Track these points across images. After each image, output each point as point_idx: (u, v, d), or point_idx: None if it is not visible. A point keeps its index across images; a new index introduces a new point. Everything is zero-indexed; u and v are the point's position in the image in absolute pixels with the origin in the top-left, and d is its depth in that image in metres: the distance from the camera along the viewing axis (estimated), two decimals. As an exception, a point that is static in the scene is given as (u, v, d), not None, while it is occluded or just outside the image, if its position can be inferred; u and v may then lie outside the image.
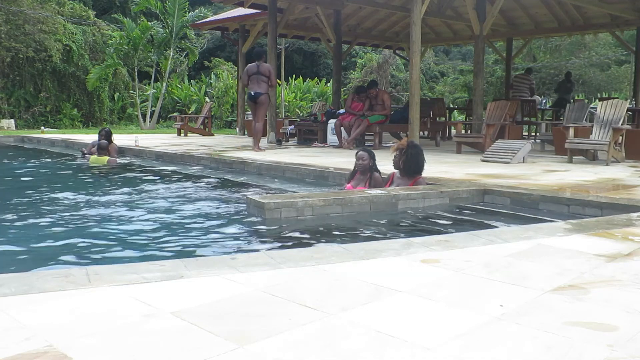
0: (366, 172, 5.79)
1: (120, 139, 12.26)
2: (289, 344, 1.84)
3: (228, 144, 12.32)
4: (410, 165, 5.56)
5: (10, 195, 6.22)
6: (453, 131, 13.94)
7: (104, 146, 9.55)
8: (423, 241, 3.39)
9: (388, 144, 10.70)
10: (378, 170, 5.86)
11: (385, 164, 5.94)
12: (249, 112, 17.13)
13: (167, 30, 22.74)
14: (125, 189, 6.76)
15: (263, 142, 12.92)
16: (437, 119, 14.52)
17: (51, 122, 22.32)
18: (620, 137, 8.79)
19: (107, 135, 9.87)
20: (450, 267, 2.80)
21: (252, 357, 1.74)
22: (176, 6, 22.33)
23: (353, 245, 3.34)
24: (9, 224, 4.69)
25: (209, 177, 7.79)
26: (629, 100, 11.44)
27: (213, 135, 16.59)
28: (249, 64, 10.52)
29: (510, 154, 8.48)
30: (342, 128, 11.58)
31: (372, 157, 5.84)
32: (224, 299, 2.28)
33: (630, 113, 12.12)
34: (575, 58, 29.42)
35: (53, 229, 4.51)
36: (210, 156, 9.20)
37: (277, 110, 13.20)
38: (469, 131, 13.53)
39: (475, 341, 1.89)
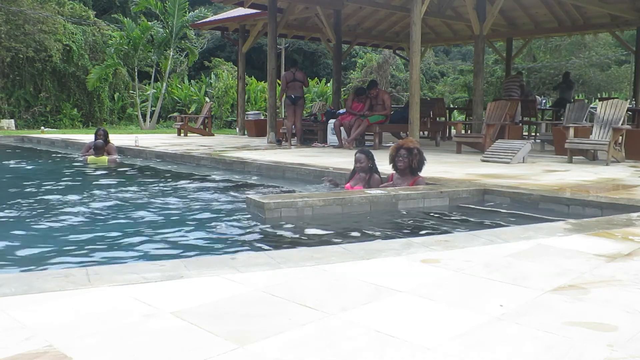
0: (366, 173, 5.79)
1: (120, 139, 12.26)
2: (289, 344, 1.84)
3: (228, 144, 12.31)
4: (422, 164, 5.59)
5: (10, 196, 6.22)
6: (453, 131, 13.93)
7: (100, 146, 9.54)
8: (423, 241, 3.39)
9: (388, 144, 10.70)
10: (378, 172, 5.85)
11: (386, 164, 5.94)
12: (249, 112, 17.19)
13: (167, 30, 22.74)
14: (125, 189, 6.76)
15: (263, 142, 12.94)
16: (437, 119, 14.51)
17: (51, 122, 22.32)
18: (620, 137, 8.79)
19: (105, 135, 9.85)
20: (450, 267, 2.80)
21: (252, 357, 1.74)
22: (176, 6, 22.32)
23: (353, 245, 3.34)
24: (9, 224, 4.69)
25: (209, 177, 7.78)
26: (629, 100, 11.44)
27: (213, 135, 16.59)
28: (285, 72, 12.57)
29: (510, 154, 8.48)
30: (341, 128, 11.58)
31: (371, 158, 5.82)
32: (224, 299, 2.28)
33: (630, 113, 12.12)
34: (575, 58, 29.43)
35: (53, 229, 4.51)
36: (210, 156, 9.20)
37: (277, 110, 13.19)
38: (469, 131, 13.52)
39: (475, 341, 1.90)
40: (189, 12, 23.20)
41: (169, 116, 24.59)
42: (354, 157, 5.86)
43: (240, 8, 14.66)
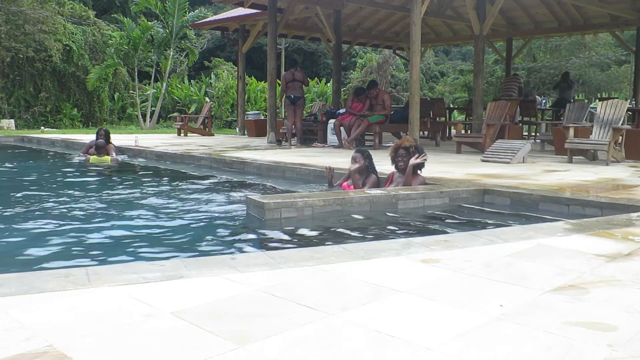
0: (363, 173, 5.78)
1: (120, 139, 12.26)
2: (288, 344, 1.84)
3: (228, 144, 12.32)
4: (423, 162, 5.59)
5: (10, 196, 6.22)
6: (453, 131, 13.93)
7: (101, 145, 9.54)
8: (423, 241, 3.39)
9: (388, 144, 10.69)
10: (375, 171, 5.85)
11: (386, 163, 5.93)
12: (249, 112, 17.19)
13: (167, 30, 22.74)
14: (125, 189, 6.76)
15: (263, 142, 12.95)
16: (437, 119, 14.52)
17: (51, 122, 22.32)
18: (620, 137, 8.79)
19: (106, 135, 9.87)
20: (450, 267, 2.80)
21: (252, 357, 1.74)
22: (176, 6, 22.32)
23: (353, 245, 3.34)
24: (9, 224, 4.68)
25: (209, 177, 7.79)
26: (629, 100, 11.44)
27: (213, 135, 16.59)
28: (285, 72, 12.51)
29: (510, 154, 8.48)
30: (341, 128, 11.59)
31: (367, 157, 5.81)
32: (224, 299, 2.28)
33: (630, 113, 12.12)
34: (575, 58, 29.43)
35: (53, 229, 4.51)
36: (210, 156, 9.20)
37: (277, 110, 13.18)
38: (469, 131, 13.53)
39: (475, 341, 1.90)
40: (189, 12, 23.20)
41: (169, 116, 24.59)
42: (351, 157, 5.86)
43: (240, 8, 14.66)
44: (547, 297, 2.35)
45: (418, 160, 5.52)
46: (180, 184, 7.27)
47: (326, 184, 6.37)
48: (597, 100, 18.82)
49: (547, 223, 4.14)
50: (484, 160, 8.66)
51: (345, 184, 5.85)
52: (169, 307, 2.15)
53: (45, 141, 14.17)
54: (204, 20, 19.67)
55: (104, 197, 6.06)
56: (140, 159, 10.39)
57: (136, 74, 23.91)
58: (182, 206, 5.58)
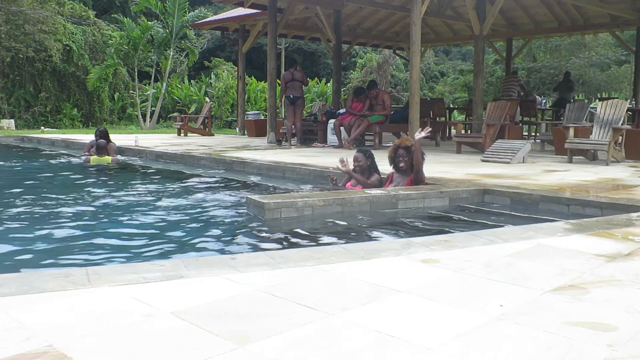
0: (365, 173, 5.78)
1: (120, 139, 12.26)
2: (288, 344, 1.84)
3: (228, 144, 12.31)
4: (422, 159, 5.59)
5: (11, 196, 6.21)
6: (453, 131, 13.93)
7: (102, 145, 9.52)
8: (423, 241, 3.39)
9: (388, 144, 10.68)
10: (378, 171, 5.85)
11: (387, 163, 5.93)
12: (249, 112, 17.19)
13: (167, 30, 22.74)
14: (125, 189, 6.76)
15: (263, 142, 12.95)
16: (437, 119, 14.51)
17: (51, 122, 22.32)
18: (620, 137, 8.79)
19: (104, 135, 9.84)
20: (450, 267, 2.80)
21: (252, 357, 1.74)
22: (176, 6, 22.32)
23: (353, 245, 3.34)
24: (9, 224, 4.69)
25: (209, 177, 7.78)
26: (629, 100, 11.44)
27: (213, 135, 16.59)
28: (284, 72, 12.49)
29: (510, 154, 8.48)
30: (341, 128, 11.59)
31: (369, 157, 5.81)
32: (224, 299, 2.28)
33: (630, 113, 12.12)
34: (575, 58, 29.43)
35: (53, 229, 4.51)
36: (210, 156, 9.20)
37: (277, 110, 13.18)
38: (469, 131, 13.53)
39: (475, 341, 1.90)
40: (189, 12, 23.20)
41: (169, 116, 24.59)
42: (353, 157, 5.86)
43: (240, 8, 14.66)
44: (547, 297, 2.35)
45: (423, 134, 5.50)
46: (180, 184, 7.27)
47: (326, 183, 6.37)
48: (597, 100, 18.82)
49: (547, 223, 4.14)
50: (484, 160, 8.65)
51: (349, 184, 5.85)
52: (169, 307, 2.15)
53: (45, 141, 14.16)
54: (204, 20, 19.66)
55: (104, 197, 6.06)
56: (140, 159, 10.39)
57: (136, 74, 23.91)
58: (182, 206, 5.58)
